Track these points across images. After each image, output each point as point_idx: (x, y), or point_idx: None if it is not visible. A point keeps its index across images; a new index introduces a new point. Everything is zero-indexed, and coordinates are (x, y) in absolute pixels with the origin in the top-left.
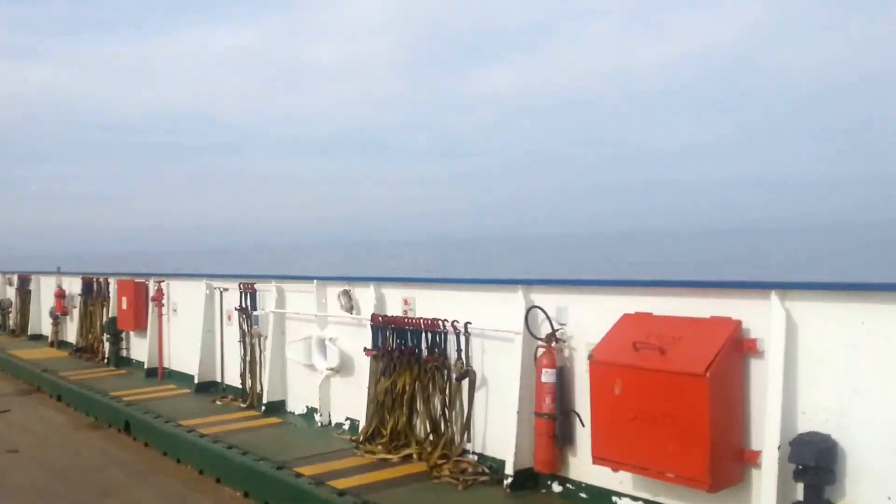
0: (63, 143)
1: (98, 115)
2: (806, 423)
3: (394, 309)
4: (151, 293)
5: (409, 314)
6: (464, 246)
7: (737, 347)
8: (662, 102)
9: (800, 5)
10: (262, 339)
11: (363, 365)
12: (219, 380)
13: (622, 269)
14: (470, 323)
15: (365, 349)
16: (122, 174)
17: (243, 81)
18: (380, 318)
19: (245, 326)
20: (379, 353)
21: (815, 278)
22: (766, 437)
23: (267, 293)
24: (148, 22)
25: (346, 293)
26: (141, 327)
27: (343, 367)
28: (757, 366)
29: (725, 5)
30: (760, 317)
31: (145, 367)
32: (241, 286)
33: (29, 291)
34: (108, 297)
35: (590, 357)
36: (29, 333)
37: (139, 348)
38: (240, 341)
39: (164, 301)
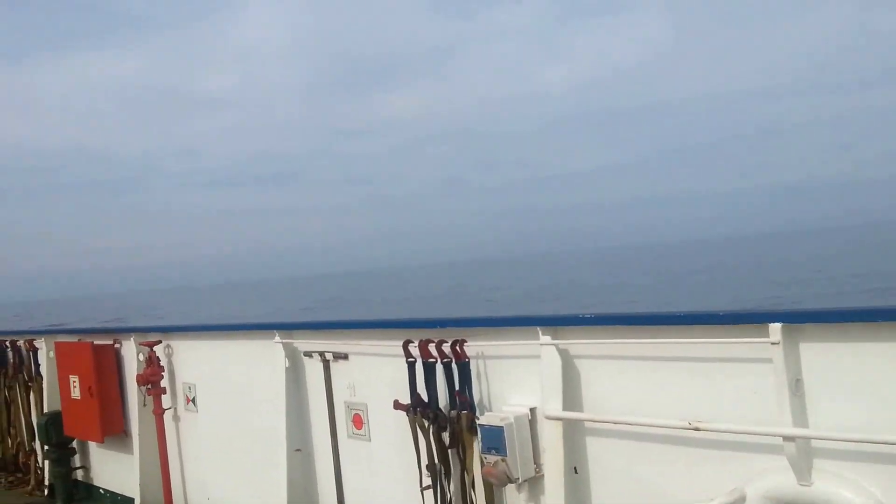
0: None
1: None
2: None
3: None
4: (136, 365)
5: None
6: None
7: None
8: (570, 125)
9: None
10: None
11: None
12: None
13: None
14: None
15: None
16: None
17: (132, 113)
18: None
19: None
20: None
21: None
22: None
23: None
24: (20, 53)
25: None
26: (115, 432)
27: None
28: None
29: (627, 29)
30: None
31: None
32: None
33: None
34: (41, 375)
35: None
36: None
37: (115, 470)
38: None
39: (168, 381)
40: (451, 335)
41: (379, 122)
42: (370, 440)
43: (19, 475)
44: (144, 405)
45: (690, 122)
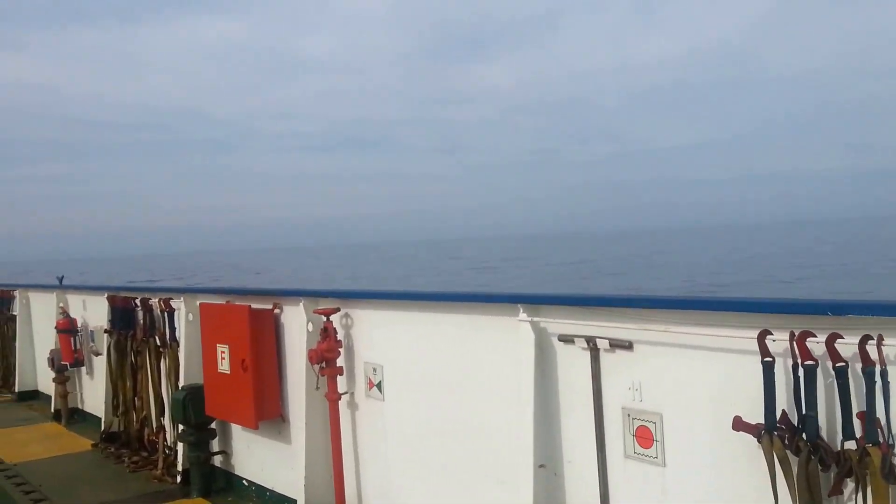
0: (47, 140)
1: (83, 110)
2: None
3: None
4: (303, 337)
5: None
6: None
7: None
8: (665, 99)
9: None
10: None
11: None
12: None
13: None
14: None
15: None
16: (111, 172)
17: (234, 75)
18: None
19: None
20: None
21: None
22: None
23: None
24: (133, 13)
25: None
26: (271, 416)
27: None
28: None
29: (728, 1)
30: None
31: None
32: None
33: (12, 318)
34: (177, 340)
35: None
36: (17, 390)
37: (267, 462)
38: None
39: (345, 359)
40: (849, 327)
41: (474, 92)
42: (664, 465)
43: (144, 455)
44: (318, 388)
45: (789, 97)
